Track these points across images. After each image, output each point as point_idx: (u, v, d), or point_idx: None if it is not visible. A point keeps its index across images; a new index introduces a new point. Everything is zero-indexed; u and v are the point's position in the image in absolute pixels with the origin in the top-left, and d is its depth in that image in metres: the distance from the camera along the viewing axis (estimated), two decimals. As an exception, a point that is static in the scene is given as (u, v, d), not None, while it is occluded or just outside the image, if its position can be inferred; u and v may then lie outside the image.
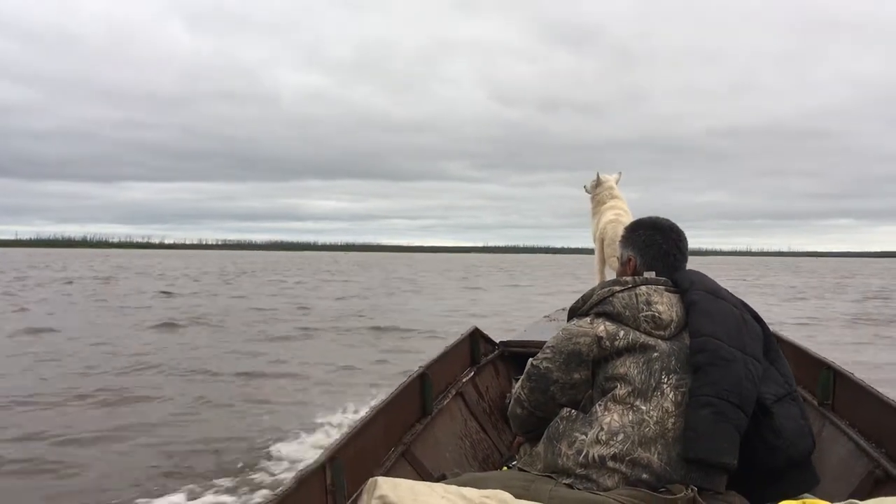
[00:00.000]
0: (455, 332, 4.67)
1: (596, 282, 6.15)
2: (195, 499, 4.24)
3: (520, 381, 2.24)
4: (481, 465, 2.74)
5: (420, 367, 2.78)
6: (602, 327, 2.02)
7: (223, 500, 4.24)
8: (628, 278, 2.12)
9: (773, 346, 2.05)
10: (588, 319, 2.07)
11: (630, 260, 2.24)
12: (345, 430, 2.05)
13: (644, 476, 1.84)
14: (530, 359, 2.21)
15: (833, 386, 2.60)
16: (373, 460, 2.13)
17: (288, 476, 4.62)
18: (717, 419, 1.82)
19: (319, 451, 1.88)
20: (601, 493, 1.82)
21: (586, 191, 6.31)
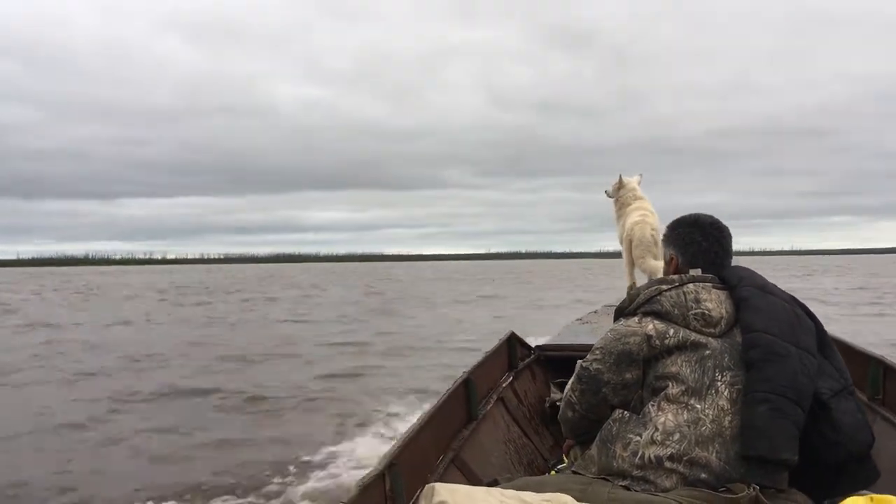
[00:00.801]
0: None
1: (626, 283, 6.16)
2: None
3: (569, 383, 2.23)
4: (526, 469, 2.73)
5: (464, 372, 2.77)
6: (651, 326, 2.01)
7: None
8: (675, 276, 2.11)
9: (826, 340, 2.03)
10: (636, 319, 2.06)
11: (672, 259, 2.23)
12: (399, 436, 2.05)
13: (703, 476, 1.82)
14: (579, 361, 2.19)
15: (883, 380, 2.59)
16: (425, 466, 2.12)
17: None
18: (775, 415, 1.81)
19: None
20: (660, 495, 1.81)
21: (608, 195, 6.32)
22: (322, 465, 5.17)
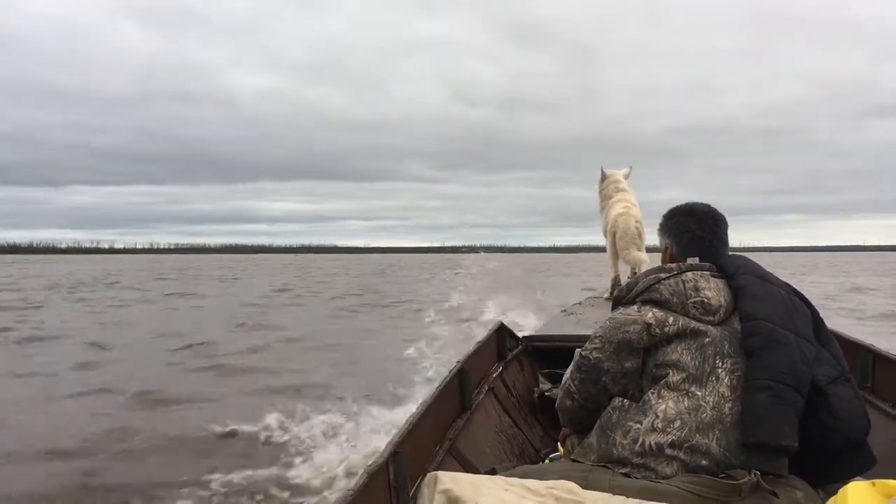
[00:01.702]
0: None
1: (610, 275, 6.21)
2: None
3: (568, 372, 2.22)
4: (518, 458, 2.73)
5: (458, 362, 2.77)
6: (650, 314, 2.02)
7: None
8: (673, 265, 2.12)
9: (822, 328, 2.06)
10: (635, 307, 2.07)
11: (668, 248, 2.24)
12: (400, 425, 2.03)
13: (703, 462, 1.84)
14: (578, 350, 2.19)
15: (872, 369, 2.65)
16: (424, 455, 2.11)
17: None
18: (776, 402, 1.83)
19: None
20: (661, 481, 1.82)
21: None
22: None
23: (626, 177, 6.25)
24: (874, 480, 1.65)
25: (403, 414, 3.85)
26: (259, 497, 4.09)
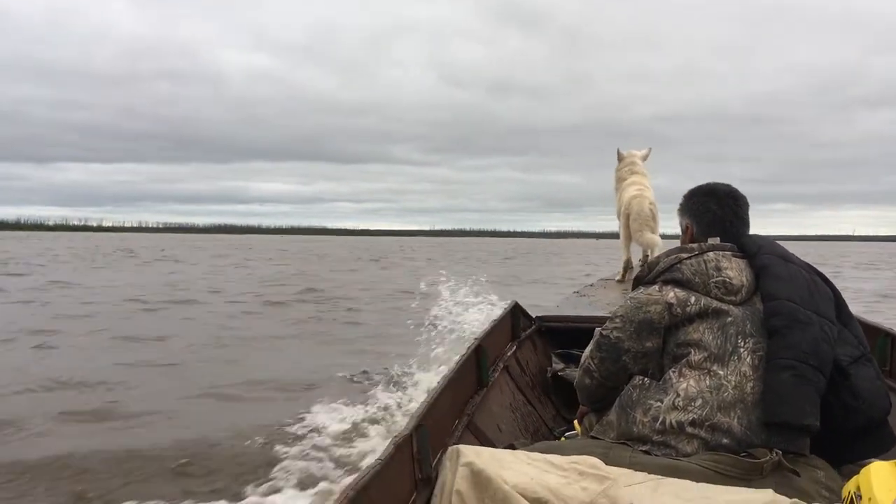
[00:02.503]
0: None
1: (622, 258, 6.21)
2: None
3: (587, 351, 2.22)
4: (533, 436, 2.76)
5: (475, 339, 2.79)
6: (672, 294, 2.01)
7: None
8: (694, 245, 2.11)
9: (844, 308, 2.06)
10: (656, 287, 2.06)
11: (688, 228, 2.24)
12: (424, 399, 2.04)
13: (724, 441, 1.84)
14: (598, 329, 2.19)
15: (891, 352, 2.67)
16: (444, 430, 2.12)
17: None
18: (798, 382, 1.83)
19: None
20: (682, 459, 1.82)
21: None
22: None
23: (645, 158, 6.21)
24: None
25: None
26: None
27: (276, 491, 3.59)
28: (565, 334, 3.74)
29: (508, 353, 3.19)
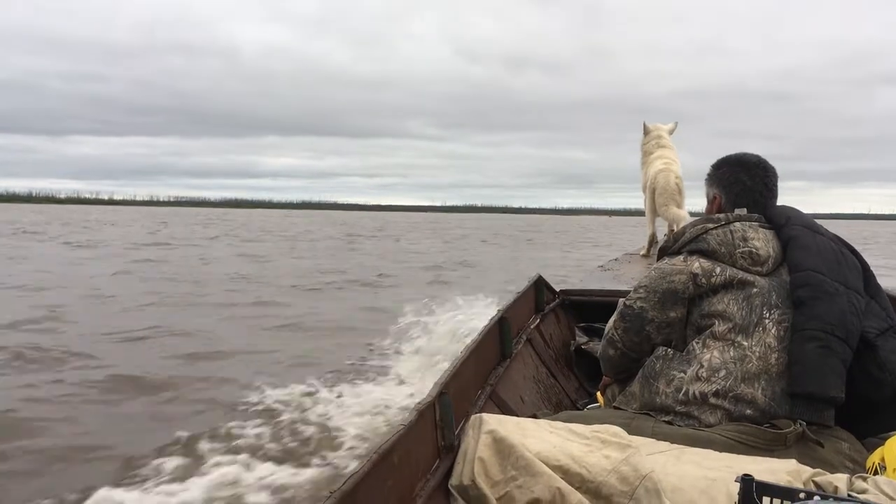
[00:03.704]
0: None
1: (647, 232, 6.18)
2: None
3: (611, 321, 2.22)
4: (555, 408, 2.77)
5: (498, 311, 2.80)
6: (697, 264, 2.00)
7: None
8: (720, 216, 2.09)
9: (872, 280, 2.04)
10: (681, 258, 2.05)
11: (716, 198, 2.21)
12: (446, 367, 2.04)
13: (748, 412, 1.83)
14: (621, 299, 2.18)
15: None
16: (467, 399, 2.13)
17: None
18: (825, 353, 1.81)
19: None
20: (704, 430, 1.82)
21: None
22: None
23: (671, 132, 6.15)
24: None
25: None
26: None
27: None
28: (589, 308, 3.73)
29: (531, 326, 3.19)
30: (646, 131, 6.13)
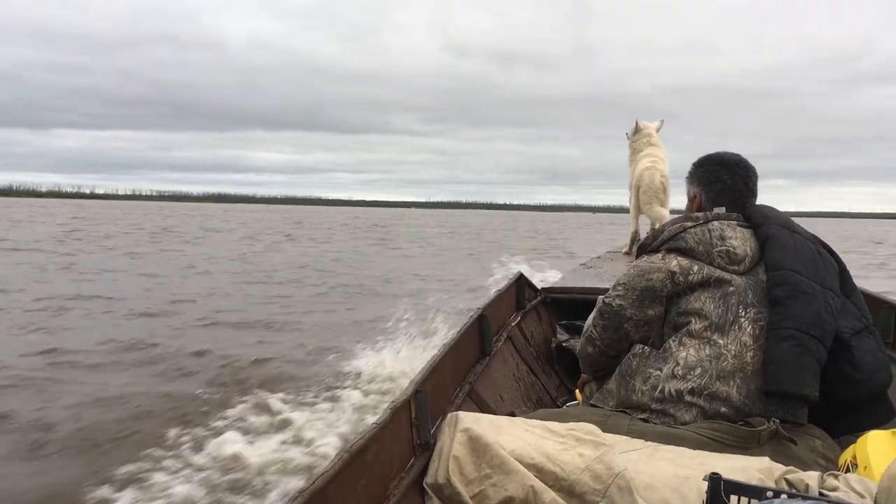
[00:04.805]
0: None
1: (630, 229, 6.21)
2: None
3: (590, 319, 2.22)
4: (535, 405, 2.78)
5: (478, 309, 2.80)
6: (675, 262, 2.00)
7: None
8: (699, 214, 2.09)
9: (848, 280, 2.05)
10: (659, 255, 2.06)
11: (696, 196, 2.21)
12: (422, 365, 2.04)
13: (723, 409, 1.84)
14: (600, 297, 2.19)
15: (895, 324, 2.67)
16: (444, 397, 2.12)
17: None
18: (800, 352, 1.82)
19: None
20: (679, 427, 1.83)
21: (628, 138, 6.32)
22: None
23: (658, 130, 6.20)
24: (894, 430, 1.66)
25: None
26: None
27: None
28: (571, 306, 3.74)
29: (512, 324, 3.20)
30: (637, 129, 6.17)
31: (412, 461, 1.71)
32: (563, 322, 3.64)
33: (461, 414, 1.76)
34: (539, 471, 1.59)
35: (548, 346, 3.44)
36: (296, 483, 3.30)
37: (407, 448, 1.72)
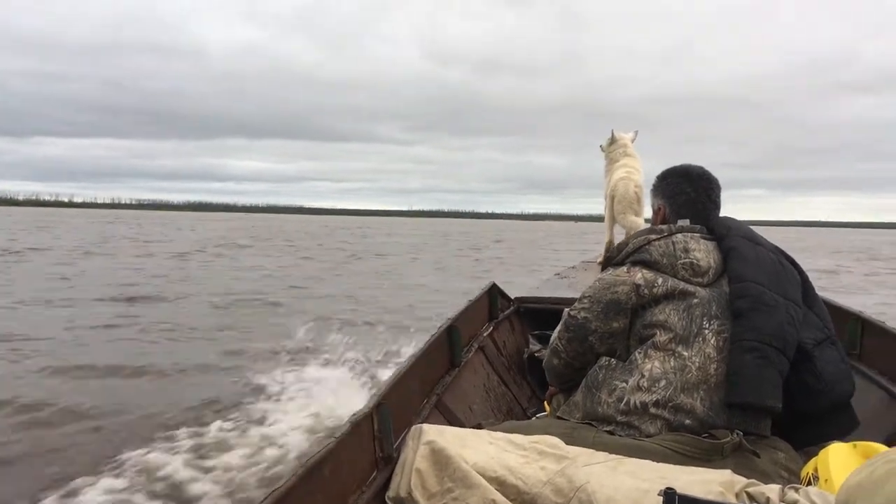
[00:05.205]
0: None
1: (605, 239, 6.23)
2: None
3: (556, 331, 2.22)
4: (505, 416, 2.77)
5: (448, 319, 2.79)
6: (640, 275, 2.01)
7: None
8: (664, 227, 2.11)
9: (810, 291, 2.07)
10: (625, 268, 2.06)
11: (660, 209, 2.23)
12: (387, 378, 2.02)
13: (687, 422, 1.84)
14: (566, 309, 2.19)
15: (861, 336, 2.69)
16: (410, 409, 2.11)
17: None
18: (762, 363, 1.83)
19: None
20: (644, 440, 1.83)
21: (602, 150, 6.35)
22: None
23: (632, 140, 6.25)
24: (855, 442, 1.67)
25: None
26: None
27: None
28: (544, 316, 3.73)
29: (484, 334, 3.19)
30: (613, 139, 6.22)
31: (374, 474, 1.70)
32: (536, 332, 3.63)
33: (425, 426, 1.74)
34: (501, 484, 1.58)
35: (520, 356, 3.44)
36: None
37: (369, 461, 1.70)
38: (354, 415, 1.70)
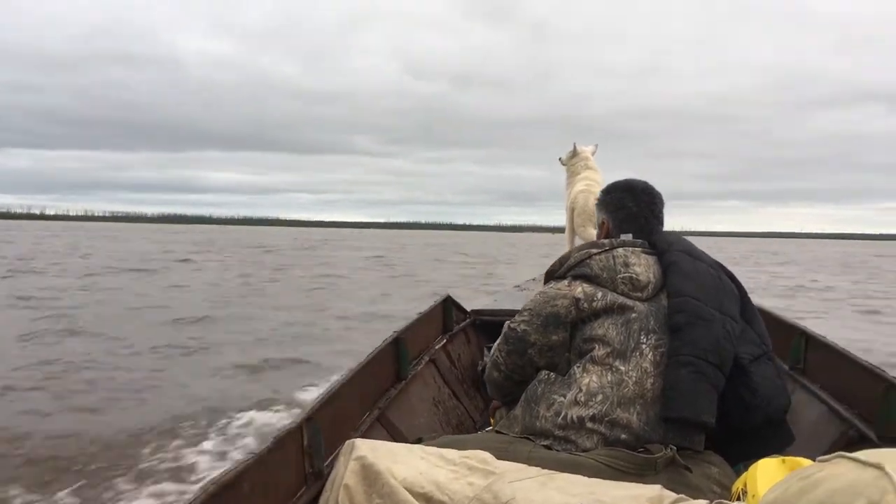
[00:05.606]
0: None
1: (565, 251, 6.24)
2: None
3: (496, 344, 2.21)
4: (455, 430, 2.74)
5: (394, 332, 2.75)
6: (580, 289, 2.01)
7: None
8: (605, 241, 2.12)
9: (749, 306, 2.08)
10: (566, 282, 2.06)
11: (604, 223, 2.24)
12: (321, 392, 1.99)
13: (623, 436, 1.84)
14: (507, 321, 2.18)
15: (805, 350, 2.69)
16: (348, 423, 2.08)
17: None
18: (697, 378, 1.83)
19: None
20: (580, 454, 1.81)
21: (562, 163, 6.37)
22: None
23: (593, 154, 6.28)
24: (784, 457, 1.67)
25: None
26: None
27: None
28: (501, 329, 3.72)
29: (437, 346, 3.15)
30: (575, 152, 6.24)
31: (302, 491, 1.67)
32: (490, 345, 3.63)
33: (357, 441, 1.72)
34: (428, 500, 1.55)
35: (475, 369, 3.42)
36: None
37: (296, 477, 1.67)
38: (280, 429, 1.67)
